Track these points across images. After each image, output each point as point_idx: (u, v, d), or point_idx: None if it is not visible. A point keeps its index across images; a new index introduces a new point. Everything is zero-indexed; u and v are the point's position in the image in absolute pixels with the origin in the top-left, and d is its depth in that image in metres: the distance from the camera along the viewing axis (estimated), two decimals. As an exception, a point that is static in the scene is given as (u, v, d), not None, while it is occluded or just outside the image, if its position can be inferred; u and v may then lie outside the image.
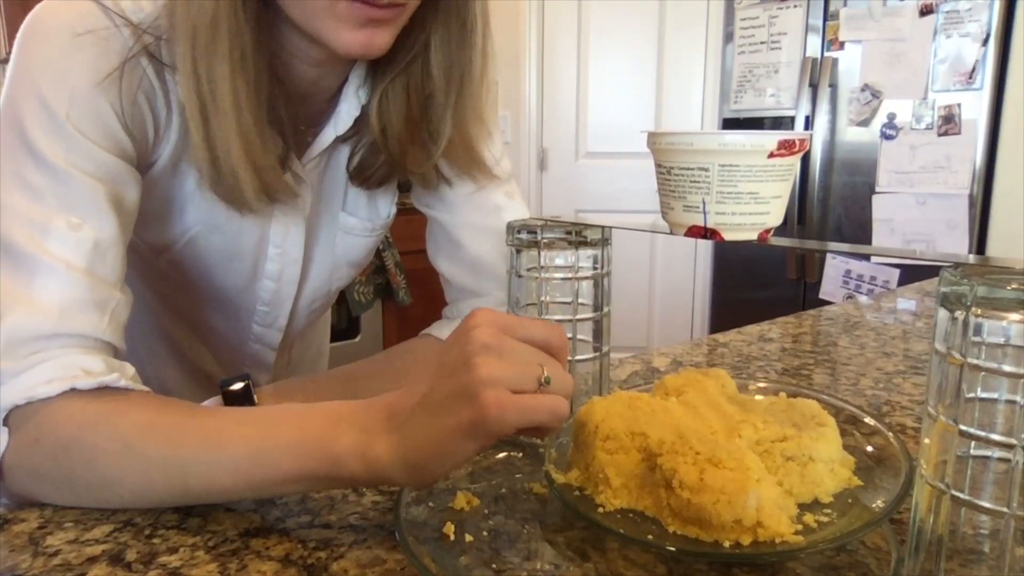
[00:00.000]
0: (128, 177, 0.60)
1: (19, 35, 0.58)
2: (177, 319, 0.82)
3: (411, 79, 0.67)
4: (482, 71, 0.68)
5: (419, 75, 0.67)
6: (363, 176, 0.74)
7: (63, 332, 0.53)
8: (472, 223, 0.78)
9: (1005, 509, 0.35)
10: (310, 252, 0.77)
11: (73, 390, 0.51)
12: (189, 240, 0.70)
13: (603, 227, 0.62)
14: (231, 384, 0.64)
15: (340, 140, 0.71)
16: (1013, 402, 0.34)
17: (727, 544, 0.44)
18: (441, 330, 0.79)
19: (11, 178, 0.55)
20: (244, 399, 0.65)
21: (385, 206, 0.80)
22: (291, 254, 0.75)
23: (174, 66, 0.60)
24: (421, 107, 0.68)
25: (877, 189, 2.40)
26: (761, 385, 0.64)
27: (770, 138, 0.49)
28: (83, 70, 0.56)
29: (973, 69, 2.19)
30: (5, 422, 0.52)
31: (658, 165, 0.53)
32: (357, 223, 0.78)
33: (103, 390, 0.52)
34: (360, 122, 0.70)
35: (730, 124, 2.77)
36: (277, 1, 0.58)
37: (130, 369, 0.56)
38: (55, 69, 0.56)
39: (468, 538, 0.49)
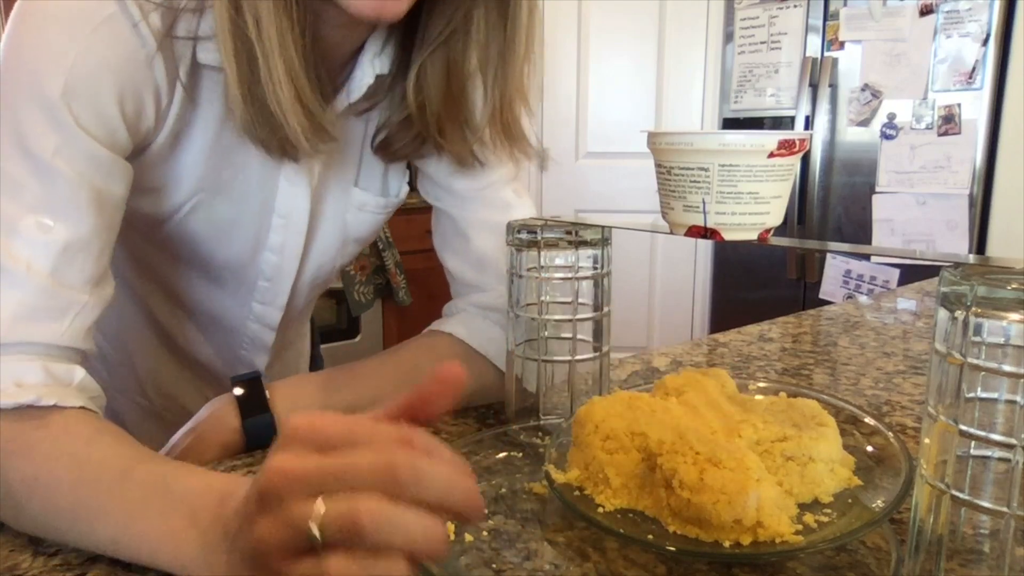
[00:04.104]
0: (117, 171, 0.58)
1: (14, 13, 0.55)
2: (171, 307, 0.81)
3: (451, 54, 0.66)
4: (526, 49, 0.66)
5: (460, 51, 0.65)
6: (389, 151, 0.73)
7: (12, 341, 0.51)
8: (481, 219, 0.77)
9: (1005, 509, 0.35)
10: (317, 224, 0.75)
11: None
12: (193, 207, 0.68)
13: (603, 227, 0.62)
14: (242, 379, 0.64)
15: (353, 110, 0.70)
16: (1013, 402, 0.34)
17: (727, 544, 0.44)
18: (453, 326, 0.77)
19: None
20: (255, 397, 0.64)
21: (396, 184, 0.79)
22: (296, 225, 0.73)
23: (190, 35, 0.57)
24: (460, 85, 0.67)
25: (877, 189, 2.40)
26: (761, 385, 0.64)
27: (770, 138, 0.49)
28: (85, 55, 0.54)
29: (973, 69, 2.19)
30: None
31: (658, 165, 0.53)
32: (370, 199, 0.77)
33: (25, 410, 0.49)
34: (376, 92, 0.69)
35: (730, 124, 2.77)
36: None
37: (76, 375, 0.53)
38: (52, 52, 0.53)
39: (468, 538, 0.49)
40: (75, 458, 0.49)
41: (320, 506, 0.32)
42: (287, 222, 0.72)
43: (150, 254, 0.75)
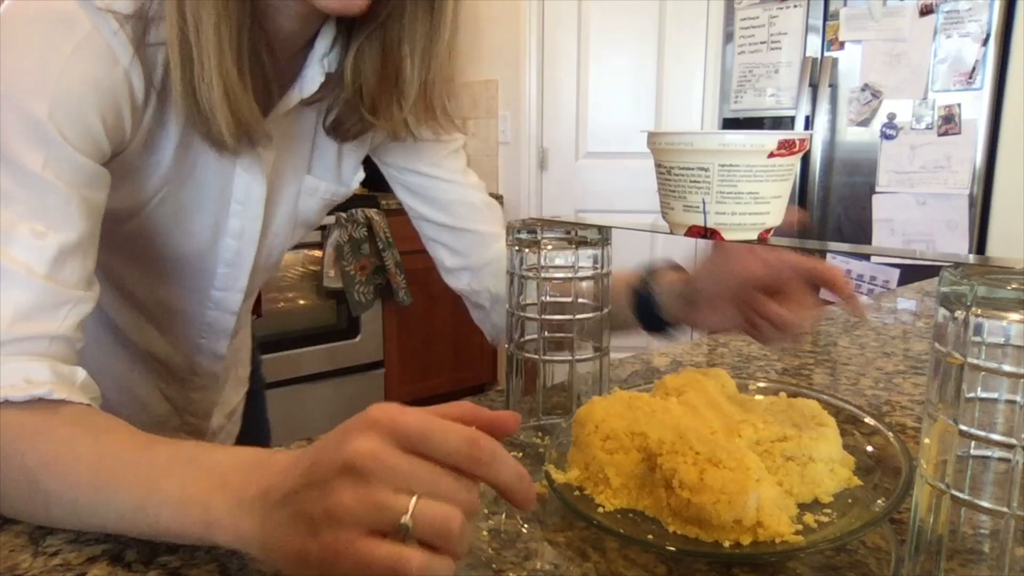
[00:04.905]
0: (100, 180, 0.60)
1: None
2: (123, 305, 0.82)
3: (386, 37, 0.70)
4: (451, 33, 0.71)
5: (395, 34, 0.69)
6: (340, 131, 0.77)
7: (14, 338, 0.52)
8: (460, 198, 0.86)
9: (1005, 509, 0.35)
10: (271, 210, 0.78)
11: (6, 402, 0.50)
12: (162, 198, 0.70)
13: (603, 227, 0.62)
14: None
15: (305, 103, 0.73)
16: (1013, 402, 0.34)
17: (727, 544, 0.44)
18: None
19: None
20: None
21: (349, 173, 0.83)
22: (252, 211, 0.75)
23: (159, 42, 0.60)
24: (395, 65, 0.71)
25: (877, 189, 2.40)
26: (761, 385, 0.64)
27: (770, 138, 0.49)
28: (67, 74, 0.56)
29: (973, 69, 2.19)
30: None
31: (658, 165, 0.53)
32: (322, 185, 0.81)
33: (35, 404, 0.51)
34: (326, 86, 0.72)
35: (730, 124, 2.76)
36: None
37: (79, 375, 0.55)
38: (35, 73, 0.55)
39: (468, 538, 0.49)
40: (95, 437, 0.51)
41: (415, 502, 0.36)
42: (244, 207, 0.75)
43: (105, 258, 0.75)
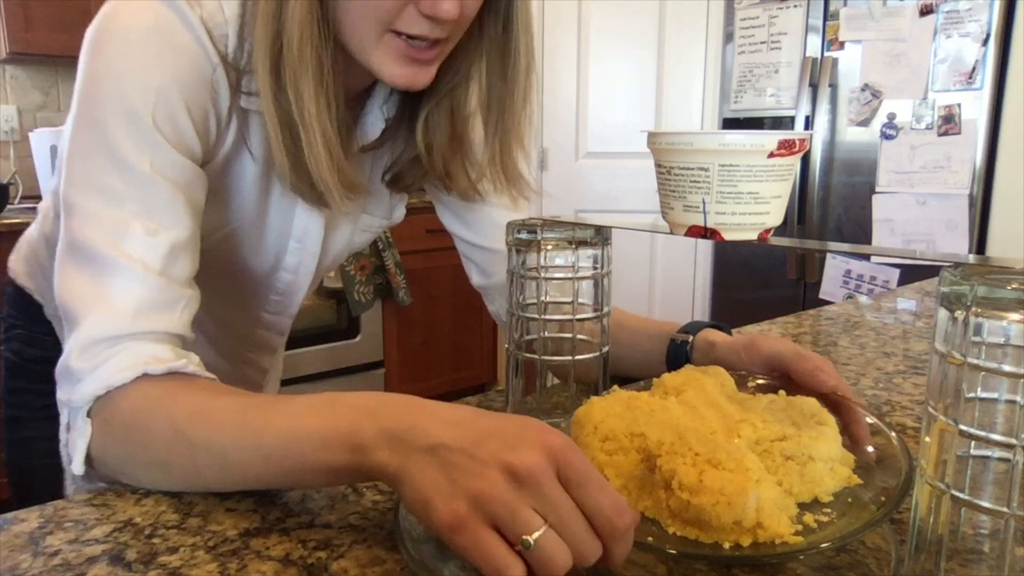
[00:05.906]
0: (200, 181, 0.63)
1: (92, 36, 0.59)
2: None
3: (454, 102, 0.72)
4: (524, 99, 0.72)
5: (461, 98, 0.72)
6: (397, 185, 0.79)
7: (137, 331, 0.56)
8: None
9: (1005, 509, 0.34)
10: (327, 246, 0.81)
11: (145, 375, 0.54)
12: (225, 234, 0.73)
13: (603, 227, 0.62)
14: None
15: (363, 149, 0.76)
16: (1013, 402, 0.34)
17: (727, 545, 0.44)
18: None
19: (91, 183, 0.58)
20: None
21: (399, 209, 0.87)
22: (310, 249, 0.78)
23: (249, 89, 0.63)
24: (462, 127, 0.73)
25: (877, 189, 2.40)
26: (760, 382, 0.64)
27: (770, 138, 0.49)
28: (166, 74, 0.58)
29: (973, 69, 2.19)
30: (89, 414, 0.55)
31: (658, 165, 0.53)
32: (375, 222, 0.84)
33: (171, 375, 0.55)
34: (384, 133, 0.75)
35: (730, 124, 2.76)
36: (337, 32, 0.62)
37: (196, 358, 0.58)
38: (140, 73, 0.58)
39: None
40: (235, 395, 0.54)
41: (544, 530, 0.39)
42: (303, 246, 0.78)
43: None
